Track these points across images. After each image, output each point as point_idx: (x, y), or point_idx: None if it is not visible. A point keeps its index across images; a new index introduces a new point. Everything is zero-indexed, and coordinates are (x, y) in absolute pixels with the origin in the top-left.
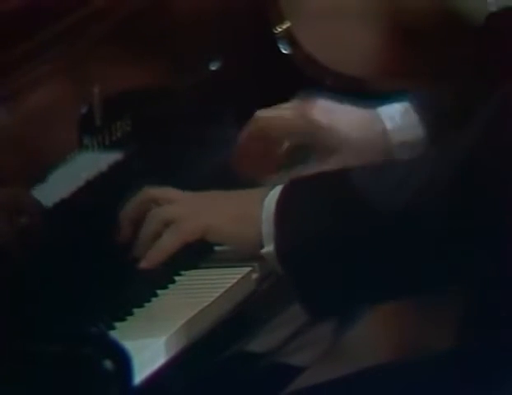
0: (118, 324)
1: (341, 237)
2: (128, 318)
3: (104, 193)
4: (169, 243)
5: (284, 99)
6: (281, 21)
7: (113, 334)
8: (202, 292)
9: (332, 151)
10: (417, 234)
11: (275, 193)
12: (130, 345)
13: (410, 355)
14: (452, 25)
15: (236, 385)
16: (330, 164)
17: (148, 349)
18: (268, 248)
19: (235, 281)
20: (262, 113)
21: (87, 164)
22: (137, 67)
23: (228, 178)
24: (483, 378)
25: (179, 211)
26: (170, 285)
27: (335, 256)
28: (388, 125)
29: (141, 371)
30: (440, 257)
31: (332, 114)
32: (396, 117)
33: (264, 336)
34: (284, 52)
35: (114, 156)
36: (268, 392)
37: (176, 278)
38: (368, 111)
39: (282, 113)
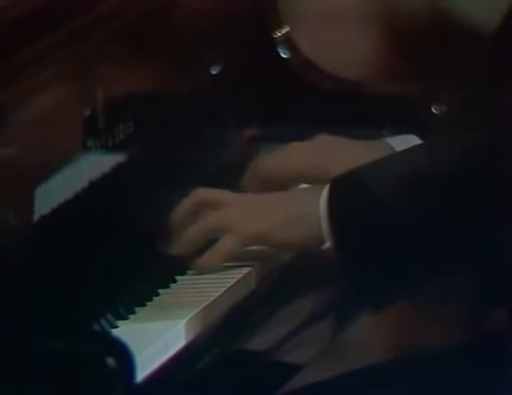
0: (120, 322)
1: (394, 226)
2: (131, 316)
3: (107, 194)
4: (228, 247)
5: (282, 101)
6: (280, 26)
7: (115, 332)
8: (203, 291)
9: None
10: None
11: (326, 190)
12: (132, 343)
13: (409, 354)
14: (451, 30)
15: (235, 383)
16: None
17: (150, 347)
18: (329, 244)
19: (236, 280)
20: (265, 159)
21: (91, 166)
22: (139, 71)
23: (229, 180)
24: (483, 376)
25: (235, 216)
26: (172, 285)
27: (386, 248)
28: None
29: (144, 369)
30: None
31: (331, 154)
32: (403, 144)
33: (263, 335)
34: (283, 56)
35: (116, 158)
36: (267, 390)
37: (178, 277)
38: (376, 141)
39: (283, 157)
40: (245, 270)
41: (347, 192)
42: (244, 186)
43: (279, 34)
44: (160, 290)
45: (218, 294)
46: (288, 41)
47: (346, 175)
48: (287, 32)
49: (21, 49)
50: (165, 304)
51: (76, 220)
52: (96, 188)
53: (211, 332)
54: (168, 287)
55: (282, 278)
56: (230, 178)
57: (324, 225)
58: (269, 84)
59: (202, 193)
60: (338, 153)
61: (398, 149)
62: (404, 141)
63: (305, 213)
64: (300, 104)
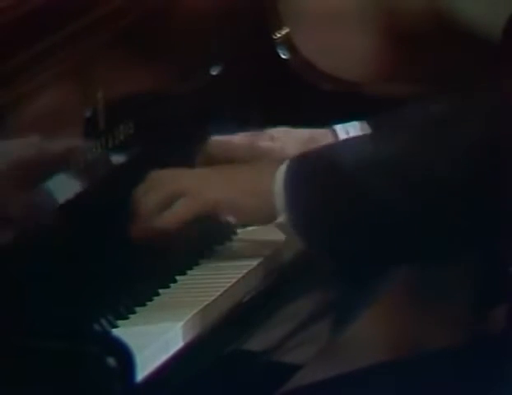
0: (120, 322)
1: (347, 203)
2: (131, 316)
3: (107, 194)
4: (181, 212)
5: (282, 102)
6: (279, 27)
7: (116, 332)
8: (203, 291)
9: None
10: (417, 205)
11: (284, 165)
12: (132, 342)
13: (408, 354)
14: (450, 31)
15: (234, 383)
16: None
17: (150, 346)
18: (281, 219)
19: (235, 280)
20: (215, 140)
21: (91, 167)
22: (139, 72)
23: None
24: (482, 376)
25: (190, 183)
26: (172, 285)
27: (344, 220)
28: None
29: (144, 368)
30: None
31: (281, 139)
32: (351, 131)
33: (262, 335)
34: (283, 57)
35: (117, 159)
36: (266, 390)
37: (178, 278)
38: (319, 130)
39: (232, 140)
40: (245, 270)
41: (305, 169)
42: (198, 165)
43: (279, 36)
44: (161, 290)
45: (218, 294)
46: (288, 42)
47: (305, 154)
48: (287, 33)
49: (22, 50)
50: (165, 303)
51: (76, 220)
52: (97, 188)
53: (211, 331)
54: (168, 287)
55: (282, 278)
56: None
57: (278, 200)
58: (269, 84)
59: (157, 174)
60: (283, 138)
61: (343, 137)
62: (351, 129)
63: (260, 186)
64: (300, 105)
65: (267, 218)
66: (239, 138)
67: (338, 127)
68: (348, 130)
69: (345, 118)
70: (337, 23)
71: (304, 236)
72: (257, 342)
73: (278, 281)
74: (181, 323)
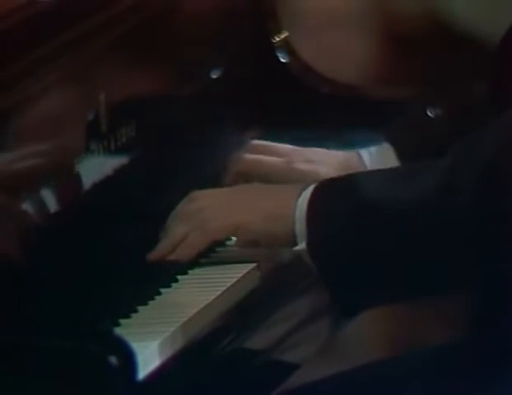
0: (122, 321)
1: (371, 236)
2: (133, 315)
3: (109, 196)
4: (197, 240)
5: (281, 105)
6: (279, 31)
7: (117, 331)
8: (204, 291)
9: None
10: (447, 236)
11: (307, 192)
12: (134, 341)
13: (406, 351)
14: (448, 34)
15: (234, 381)
16: None
17: (151, 345)
18: (301, 245)
19: (236, 279)
20: (249, 157)
21: (94, 169)
22: (141, 75)
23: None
24: (481, 373)
25: (208, 212)
26: (174, 284)
27: (365, 254)
28: (369, 164)
29: (145, 367)
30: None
31: (315, 162)
32: (375, 155)
33: (262, 334)
34: (282, 60)
35: (119, 161)
36: (265, 388)
37: (179, 277)
38: (349, 153)
39: (268, 160)
40: (246, 269)
41: (330, 199)
42: (227, 179)
43: (278, 39)
44: (162, 290)
45: (218, 293)
46: (287, 46)
47: (331, 182)
48: (286, 37)
49: (24, 54)
50: (166, 303)
51: (79, 221)
52: (99, 189)
53: (212, 330)
54: (170, 286)
55: (281, 278)
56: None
57: (299, 227)
58: (268, 87)
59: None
60: (317, 159)
61: (368, 162)
62: (378, 153)
63: (282, 211)
64: (299, 108)
65: (288, 243)
66: (275, 159)
67: (363, 151)
68: (371, 153)
69: (343, 121)
70: (335, 27)
71: (321, 267)
72: (256, 341)
73: (278, 280)
74: (182, 322)
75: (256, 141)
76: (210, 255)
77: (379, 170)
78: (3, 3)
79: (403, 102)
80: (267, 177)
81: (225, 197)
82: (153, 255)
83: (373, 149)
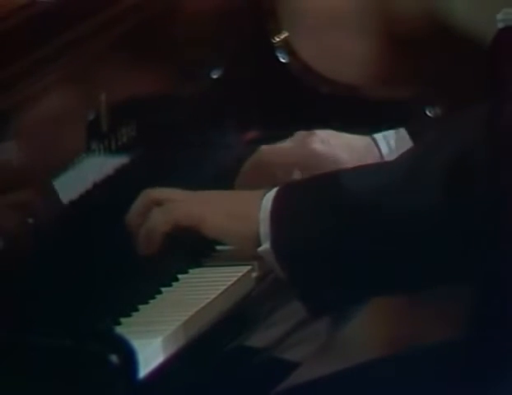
0: (123, 320)
1: (335, 236)
2: (133, 313)
3: (110, 195)
4: (159, 221)
5: (281, 105)
6: (279, 32)
7: (118, 329)
8: (205, 290)
9: None
10: (410, 234)
11: (272, 194)
12: (135, 340)
13: (406, 349)
14: (447, 34)
15: (235, 379)
16: None
17: (152, 344)
18: (265, 246)
19: (236, 278)
20: (266, 147)
21: (94, 168)
22: (141, 75)
23: (229, 182)
24: (481, 372)
25: (173, 195)
26: (174, 283)
27: (330, 254)
28: (384, 150)
29: (146, 366)
30: (437, 256)
31: (331, 142)
32: (391, 141)
33: (262, 332)
34: (282, 60)
35: (119, 160)
36: (265, 386)
37: (179, 276)
38: (364, 137)
39: (284, 145)
40: (245, 269)
41: (294, 198)
42: (242, 176)
43: (278, 40)
44: (163, 289)
45: (219, 292)
46: (287, 46)
47: (294, 183)
48: (286, 37)
49: (26, 54)
50: (167, 302)
51: (80, 220)
52: (100, 188)
53: (212, 329)
54: (170, 286)
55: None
56: (230, 179)
57: (262, 227)
58: (269, 88)
59: (150, 193)
60: (334, 142)
61: (385, 149)
62: (391, 138)
63: (246, 212)
64: (299, 108)
65: (252, 244)
66: (289, 144)
67: (378, 136)
68: (387, 139)
69: (343, 121)
70: (335, 27)
71: (285, 268)
72: (256, 340)
73: (278, 279)
74: (183, 321)
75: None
76: (211, 255)
77: (347, 169)
78: (4, 3)
79: (404, 101)
80: (283, 162)
81: (192, 193)
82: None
83: (389, 134)
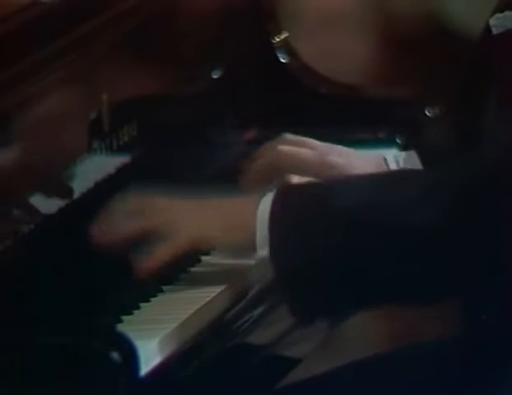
0: (125, 318)
1: (333, 244)
2: (135, 312)
3: (111, 194)
4: (160, 255)
5: (281, 105)
6: (279, 32)
7: (120, 327)
8: (205, 288)
9: None
10: (407, 243)
11: (267, 200)
12: (136, 338)
13: (405, 346)
14: (445, 34)
15: (236, 376)
16: None
17: (153, 342)
18: (262, 253)
19: (237, 276)
20: (283, 148)
21: (96, 167)
22: (143, 75)
23: (230, 181)
24: (479, 367)
25: (169, 221)
26: (175, 282)
27: (327, 263)
28: (393, 168)
29: (147, 363)
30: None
31: (347, 157)
32: (400, 160)
33: (263, 329)
34: (282, 60)
35: (121, 159)
36: (266, 383)
37: (180, 275)
38: (375, 156)
39: (303, 153)
40: (247, 267)
41: (292, 203)
42: (254, 175)
43: (278, 40)
44: (164, 287)
45: (220, 290)
46: (287, 46)
47: (291, 188)
48: (286, 37)
49: (29, 54)
50: (168, 300)
51: (82, 219)
52: (102, 188)
53: (214, 326)
54: (171, 284)
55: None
56: (230, 179)
57: (259, 235)
58: (269, 87)
59: (137, 200)
60: (350, 157)
61: (394, 168)
62: (404, 160)
63: (242, 222)
64: (299, 107)
65: (250, 252)
66: (308, 151)
67: (388, 156)
68: (396, 159)
69: (343, 121)
70: (335, 27)
71: (281, 274)
72: (258, 337)
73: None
74: (184, 319)
75: (288, 135)
76: (212, 253)
77: (347, 177)
78: (7, 4)
79: (403, 102)
80: (299, 169)
81: (183, 210)
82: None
83: (399, 155)
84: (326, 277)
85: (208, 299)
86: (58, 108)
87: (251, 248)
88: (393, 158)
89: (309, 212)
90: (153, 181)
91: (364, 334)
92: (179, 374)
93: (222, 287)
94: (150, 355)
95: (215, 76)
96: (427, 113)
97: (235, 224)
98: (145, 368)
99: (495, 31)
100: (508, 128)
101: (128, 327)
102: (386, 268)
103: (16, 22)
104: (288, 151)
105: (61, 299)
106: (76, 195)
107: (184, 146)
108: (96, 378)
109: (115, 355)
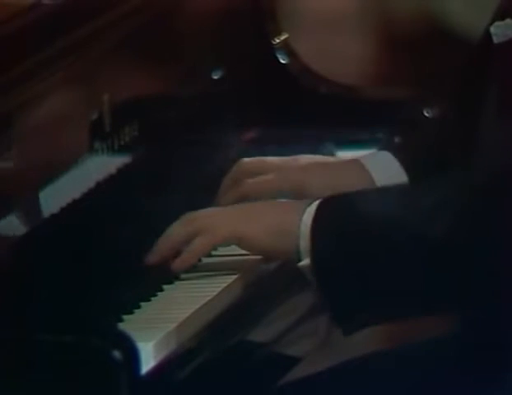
0: (126, 316)
1: (375, 255)
2: (136, 310)
3: (113, 194)
4: (201, 246)
5: (281, 105)
6: (279, 33)
7: (121, 326)
8: (206, 287)
9: None
10: (446, 253)
11: (312, 208)
12: (137, 336)
13: (405, 343)
14: (445, 35)
15: (237, 374)
16: None
17: (154, 340)
18: (305, 262)
19: (236, 276)
20: (249, 182)
21: (97, 167)
22: (143, 76)
23: None
24: (479, 367)
25: (213, 219)
26: (176, 281)
27: (368, 272)
28: (374, 175)
29: (148, 362)
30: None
31: (317, 172)
32: (380, 166)
33: (263, 328)
34: (282, 61)
35: (122, 160)
36: (266, 381)
37: (181, 274)
38: (353, 162)
39: (267, 178)
40: (247, 265)
41: (334, 215)
42: (220, 199)
43: (278, 41)
44: (165, 286)
45: (220, 289)
46: (287, 47)
47: (334, 199)
48: (286, 39)
49: (31, 55)
50: (168, 299)
51: (83, 219)
52: (103, 188)
53: (214, 325)
54: (172, 283)
55: (282, 274)
56: None
57: (303, 243)
58: (268, 88)
59: (191, 221)
60: (322, 171)
61: (372, 169)
62: (379, 162)
63: (286, 226)
64: (298, 108)
65: (291, 259)
66: (268, 177)
67: (365, 159)
68: (376, 164)
69: (342, 121)
70: (334, 28)
71: (323, 284)
72: (258, 335)
73: (278, 277)
74: (184, 318)
75: (245, 160)
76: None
77: (386, 187)
78: (9, 5)
79: (402, 102)
80: (269, 193)
81: (231, 210)
82: (152, 257)
83: (373, 155)
84: (367, 285)
85: (209, 298)
86: (60, 108)
87: (293, 255)
88: (373, 164)
89: (351, 222)
90: (153, 181)
91: (364, 333)
92: (180, 372)
93: (222, 286)
94: (150, 353)
95: (215, 77)
96: (426, 114)
97: (279, 228)
98: (145, 367)
99: (496, 40)
100: (508, 134)
101: (128, 325)
102: (428, 274)
103: (18, 23)
104: (253, 183)
105: (62, 298)
106: (77, 195)
107: (185, 147)
108: (97, 376)
109: (116, 354)
